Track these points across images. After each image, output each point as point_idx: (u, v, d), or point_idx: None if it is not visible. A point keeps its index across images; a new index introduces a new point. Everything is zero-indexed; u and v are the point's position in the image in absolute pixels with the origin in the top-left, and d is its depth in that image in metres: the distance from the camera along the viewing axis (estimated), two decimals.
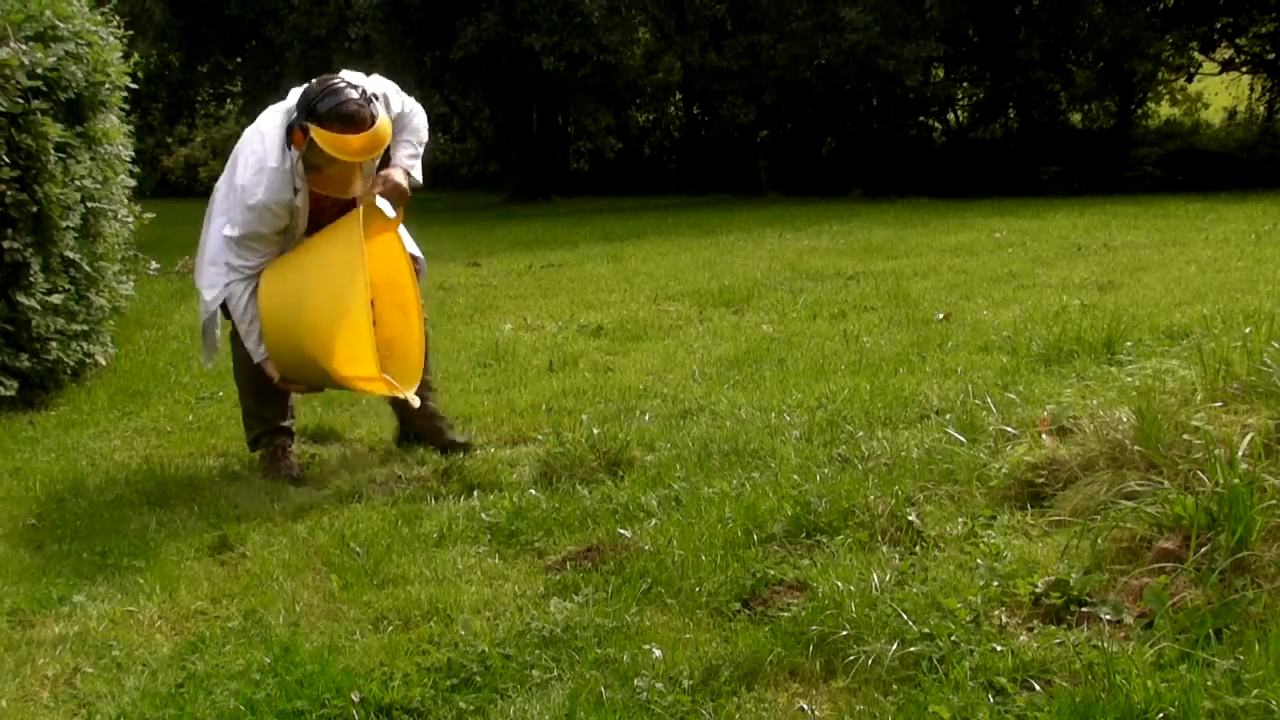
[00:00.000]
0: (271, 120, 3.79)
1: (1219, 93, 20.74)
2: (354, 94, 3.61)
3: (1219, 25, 18.46)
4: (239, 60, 23.96)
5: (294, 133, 3.67)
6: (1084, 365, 4.55)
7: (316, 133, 3.59)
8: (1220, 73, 19.49)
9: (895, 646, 2.32)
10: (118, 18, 6.14)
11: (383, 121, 3.67)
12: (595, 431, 3.94)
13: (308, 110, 3.62)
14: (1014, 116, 19.57)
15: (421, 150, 3.99)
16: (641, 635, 2.52)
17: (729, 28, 20.30)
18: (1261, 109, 19.40)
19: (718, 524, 3.07)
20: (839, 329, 5.99)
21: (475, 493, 3.59)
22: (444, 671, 2.42)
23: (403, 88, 3.96)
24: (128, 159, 6.33)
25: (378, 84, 3.84)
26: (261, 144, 3.74)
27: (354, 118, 3.60)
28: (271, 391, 3.95)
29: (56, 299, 5.11)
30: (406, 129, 3.93)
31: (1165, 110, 20.94)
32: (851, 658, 2.32)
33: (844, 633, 2.39)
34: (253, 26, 21.50)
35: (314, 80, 3.74)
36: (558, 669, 2.40)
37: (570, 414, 4.51)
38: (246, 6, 20.75)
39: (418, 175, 3.95)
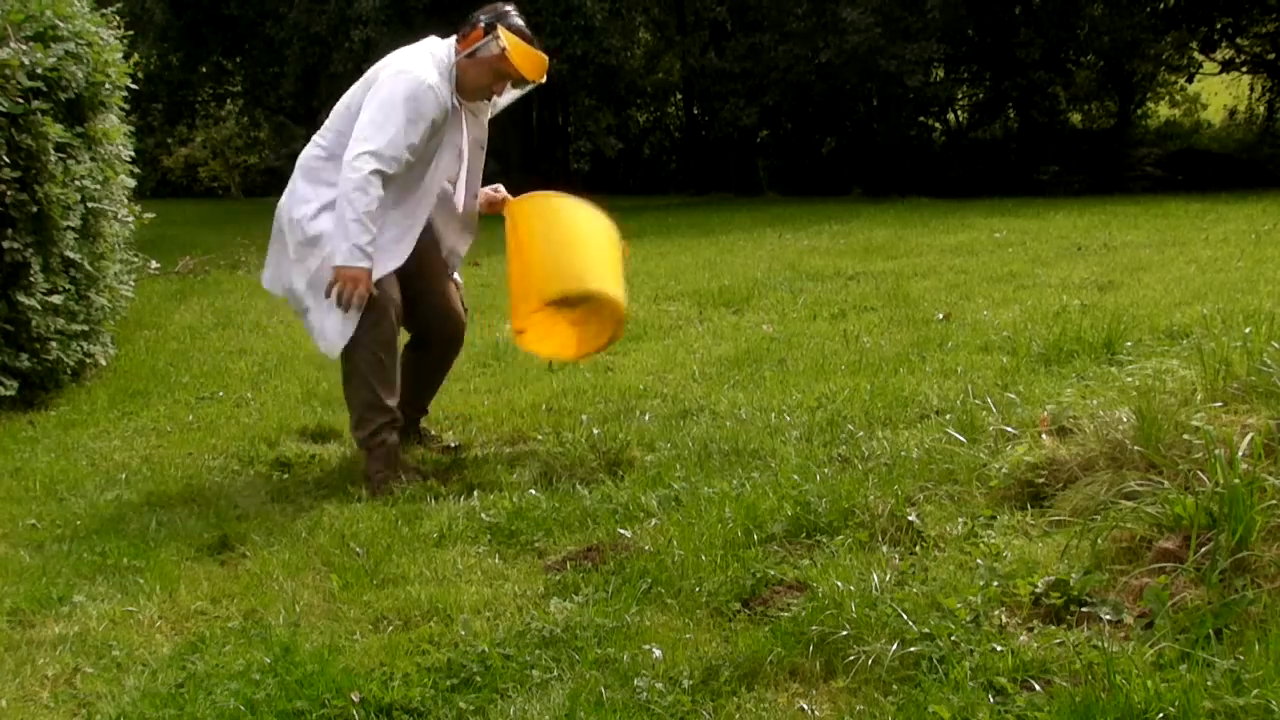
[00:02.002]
0: (413, 54, 3.71)
1: (1219, 93, 20.73)
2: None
3: (1219, 25, 18.45)
4: (239, 60, 23.93)
5: (473, 31, 3.63)
6: (1084, 365, 4.55)
7: (506, 35, 3.59)
8: (1220, 73, 19.48)
9: (895, 646, 2.32)
10: (118, 18, 6.14)
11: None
12: (595, 431, 3.94)
13: (495, 15, 3.64)
14: (1014, 116, 19.54)
15: None
16: (641, 635, 2.52)
17: (729, 28, 20.29)
18: (1261, 109, 19.40)
19: (718, 524, 3.07)
20: (839, 329, 5.99)
21: (475, 493, 3.59)
22: (444, 671, 2.42)
23: None
24: (128, 159, 6.33)
25: None
26: (414, 66, 3.65)
27: (533, 39, 3.67)
28: (393, 372, 3.74)
29: (56, 299, 5.11)
30: None
31: (1165, 111, 20.93)
32: (851, 658, 2.32)
33: (844, 633, 2.39)
34: (253, 26, 21.47)
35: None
36: (558, 669, 2.40)
37: (570, 414, 4.51)
38: (246, 6, 20.73)
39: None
